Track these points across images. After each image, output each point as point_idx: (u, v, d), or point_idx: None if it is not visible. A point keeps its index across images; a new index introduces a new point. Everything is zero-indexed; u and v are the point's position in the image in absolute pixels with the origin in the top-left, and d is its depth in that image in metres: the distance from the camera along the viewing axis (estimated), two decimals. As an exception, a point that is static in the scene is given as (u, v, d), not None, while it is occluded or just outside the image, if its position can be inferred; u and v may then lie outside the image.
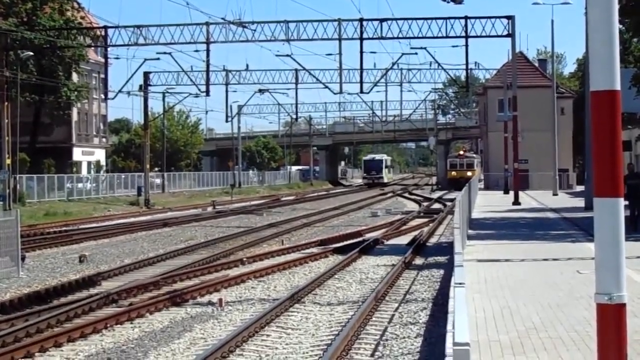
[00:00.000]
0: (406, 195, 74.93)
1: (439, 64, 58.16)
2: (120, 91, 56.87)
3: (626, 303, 5.59)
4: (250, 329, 13.85)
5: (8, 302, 17.20)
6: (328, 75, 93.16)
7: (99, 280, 20.49)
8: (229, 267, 23.12)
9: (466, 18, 45.83)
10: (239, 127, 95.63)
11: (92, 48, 65.77)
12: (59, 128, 75.35)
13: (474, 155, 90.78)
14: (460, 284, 8.38)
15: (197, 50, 51.04)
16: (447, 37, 46.05)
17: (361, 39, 46.57)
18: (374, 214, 46.50)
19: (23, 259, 23.67)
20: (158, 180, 75.77)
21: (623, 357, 5.61)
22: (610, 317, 5.56)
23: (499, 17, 45.90)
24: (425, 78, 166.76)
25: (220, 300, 17.20)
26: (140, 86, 64.47)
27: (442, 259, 23.95)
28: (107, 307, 16.85)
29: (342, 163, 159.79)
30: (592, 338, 9.14)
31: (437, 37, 45.97)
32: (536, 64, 79.91)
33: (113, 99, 63.13)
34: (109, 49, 50.38)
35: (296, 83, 70.47)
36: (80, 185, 63.02)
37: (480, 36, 46.24)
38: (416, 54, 58.51)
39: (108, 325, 14.97)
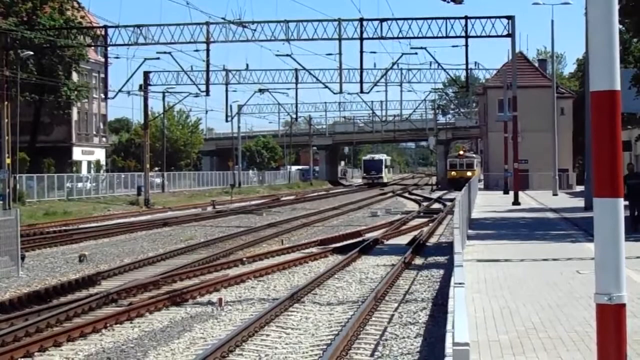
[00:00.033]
0: (406, 195, 74.95)
1: (439, 64, 58.24)
2: (120, 91, 56.92)
3: (626, 303, 5.59)
4: (250, 329, 13.85)
5: (8, 301, 17.20)
6: (328, 75, 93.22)
7: (98, 280, 20.48)
8: (229, 266, 23.12)
9: (466, 18, 45.83)
10: (238, 127, 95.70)
11: (92, 48, 65.72)
12: (58, 127, 75.36)
13: (474, 155, 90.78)
14: (460, 284, 8.38)
15: (197, 50, 51.12)
16: (447, 37, 46.04)
17: (361, 39, 46.56)
18: (373, 213, 46.50)
19: (23, 258, 23.66)
20: (158, 180, 75.76)
21: (622, 357, 5.61)
22: (610, 318, 5.56)
23: (499, 17, 45.90)
24: (425, 78, 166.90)
25: (220, 300, 17.19)
26: (140, 86, 64.45)
27: (441, 259, 23.95)
28: (107, 307, 16.85)
29: (342, 163, 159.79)
30: (591, 338, 9.14)
31: (437, 37, 45.97)
32: (536, 64, 79.94)
33: (113, 98, 63.21)
34: (109, 48, 50.35)
35: (296, 83, 70.48)
36: (80, 184, 63.02)
37: (480, 36, 46.23)
38: (416, 54, 58.58)
39: (108, 324, 14.97)
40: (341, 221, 42.52)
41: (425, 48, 53.51)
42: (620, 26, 32.11)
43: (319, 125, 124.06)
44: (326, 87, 58.35)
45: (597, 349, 5.70)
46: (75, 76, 70.32)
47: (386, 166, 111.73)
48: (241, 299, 17.87)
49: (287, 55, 53.02)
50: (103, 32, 49.56)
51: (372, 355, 12.45)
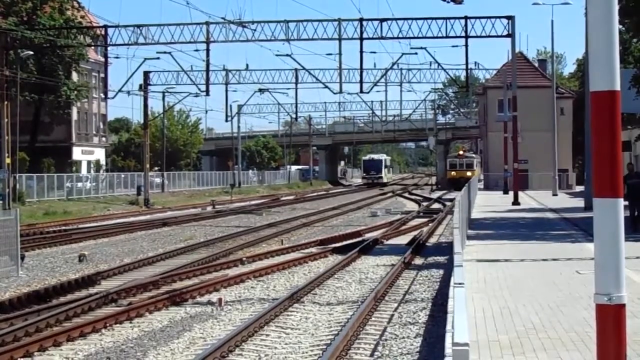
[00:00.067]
0: (406, 195, 74.95)
1: (438, 64, 58.17)
2: (120, 90, 56.95)
3: (625, 303, 5.59)
4: (249, 329, 13.84)
5: (7, 301, 17.18)
6: (328, 75, 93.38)
7: (98, 280, 20.48)
8: (229, 266, 23.12)
9: (466, 18, 45.83)
10: (238, 127, 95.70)
11: (92, 47, 65.71)
12: (58, 127, 75.34)
13: (474, 155, 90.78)
14: (459, 284, 8.38)
15: (197, 50, 51.12)
16: (447, 37, 46.04)
17: (361, 39, 46.56)
18: (373, 213, 46.50)
19: (22, 258, 23.66)
20: (158, 180, 75.76)
21: (622, 357, 5.60)
22: (610, 318, 5.56)
23: (499, 17, 45.90)
24: (425, 78, 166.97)
25: (220, 299, 17.19)
26: (140, 85, 64.46)
27: (441, 259, 23.95)
28: (107, 307, 16.85)
29: (342, 163, 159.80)
30: (591, 338, 9.14)
31: (437, 37, 45.97)
32: (536, 64, 79.94)
33: (113, 98, 63.30)
34: (109, 48, 50.34)
35: (296, 83, 70.48)
36: (79, 184, 63.02)
37: (480, 36, 46.23)
38: (416, 54, 58.64)
39: (107, 324, 14.97)
40: (341, 221, 42.52)
41: (425, 48, 53.61)
42: (620, 26, 32.10)
43: (319, 125, 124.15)
44: (326, 87, 58.40)
45: (596, 349, 5.70)
46: (75, 76, 70.33)
47: (386, 166, 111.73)
48: (241, 299, 17.87)
49: (287, 55, 53.06)
50: (103, 32, 49.54)
51: (371, 355, 12.45)
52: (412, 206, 55.74)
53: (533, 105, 64.53)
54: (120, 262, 24.60)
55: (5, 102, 47.61)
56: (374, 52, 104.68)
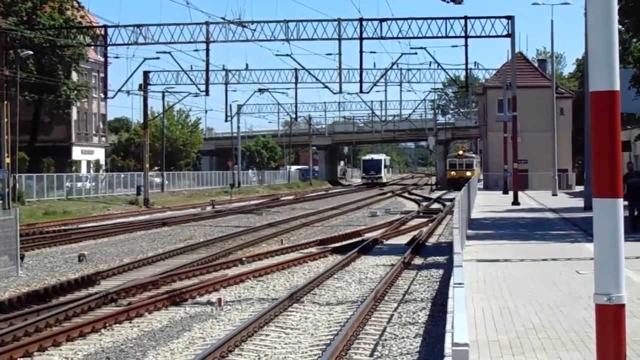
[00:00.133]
0: (405, 195, 74.95)
1: (438, 64, 58.20)
2: (119, 90, 56.94)
3: (625, 304, 5.59)
4: (249, 329, 13.84)
5: (7, 301, 17.18)
6: (328, 75, 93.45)
7: (98, 280, 20.47)
8: (228, 266, 23.11)
9: (466, 18, 45.84)
10: (238, 127, 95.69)
11: (92, 47, 65.73)
12: (58, 127, 75.32)
13: (474, 155, 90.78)
14: (459, 284, 8.37)
15: (196, 50, 51.12)
16: (446, 37, 46.05)
17: (361, 38, 46.56)
18: (373, 213, 46.50)
19: (22, 258, 23.65)
20: (157, 180, 75.77)
21: (622, 357, 5.60)
22: (610, 318, 5.56)
23: (499, 17, 45.91)
24: (425, 78, 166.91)
25: (219, 299, 17.18)
26: (140, 85, 64.47)
27: (441, 259, 23.95)
28: (106, 307, 16.84)
29: (342, 163, 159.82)
30: (591, 339, 9.14)
31: (436, 37, 45.98)
32: (536, 64, 79.94)
33: (113, 98, 63.41)
34: (108, 48, 50.36)
35: (296, 83, 70.50)
36: (79, 184, 63.03)
37: (480, 36, 46.24)
38: (416, 54, 58.59)
39: (107, 324, 14.96)
40: (340, 221, 42.51)
41: (425, 48, 53.61)
42: (620, 26, 32.10)
43: (319, 125, 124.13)
44: (326, 87, 58.43)
45: (596, 349, 5.69)
46: (74, 76, 70.32)
47: (385, 166, 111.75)
48: (240, 299, 17.86)
49: (287, 55, 53.06)
50: (103, 32, 49.55)
51: (371, 355, 12.45)
52: (411, 206, 55.73)
53: (533, 105, 64.53)
54: (119, 262, 24.59)
55: (5, 102, 47.62)
56: (374, 52, 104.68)
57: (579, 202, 40.66)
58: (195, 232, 35.89)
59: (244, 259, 24.37)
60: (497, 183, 64.35)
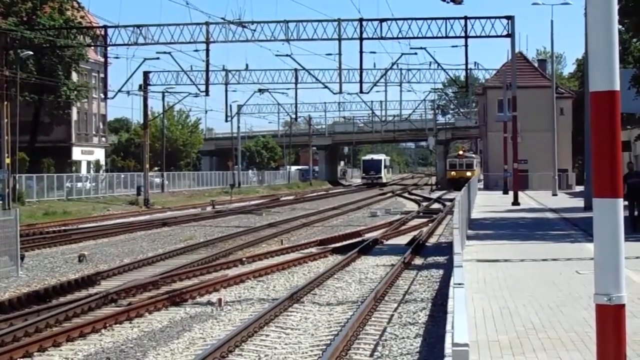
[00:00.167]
0: (405, 195, 74.95)
1: (438, 64, 58.18)
2: (119, 91, 56.92)
3: (625, 304, 5.58)
4: (249, 329, 13.84)
5: (7, 301, 17.18)
6: (328, 75, 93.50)
7: (98, 280, 20.47)
8: (228, 267, 23.11)
9: (466, 18, 45.84)
10: (238, 127, 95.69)
11: (92, 47, 65.73)
12: (58, 127, 75.34)
13: (474, 155, 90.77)
14: (459, 284, 8.37)
15: (196, 50, 51.10)
16: (446, 37, 46.05)
17: (361, 39, 46.56)
18: (373, 214, 46.49)
19: (22, 258, 23.66)
20: (157, 180, 75.77)
21: (622, 357, 5.60)
22: (610, 318, 5.56)
23: (499, 18, 45.92)
24: (425, 78, 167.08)
25: (220, 300, 17.19)
26: (140, 86, 64.46)
27: (441, 259, 23.95)
28: (106, 307, 16.84)
29: (342, 163, 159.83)
30: (591, 339, 9.14)
31: (436, 37, 45.98)
32: (536, 64, 79.94)
33: (112, 98, 63.25)
34: (108, 48, 50.35)
35: (296, 83, 70.48)
36: (79, 184, 63.02)
37: (480, 36, 46.24)
38: (416, 54, 58.56)
39: (107, 325, 14.96)
40: (341, 221, 42.52)
41: (425, 48, 53.61)
42: (620, 26, 32.09)
43: (319, 125, 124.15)
44: (326, 87, 58.41)
45: (596, 349, 5.69)
46: (75, 76, 70.32)
47: (385, 166, 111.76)
48: (241, 299, 17.86)
49: (287, 55, 53.05)
50: (103, 32, 49.55)
51: (371, 355, 12.45)
52: (411, 206, 55.73)
53: (533, 105, 64.52)
54: (120, 263, 24.59)
55: (5, 103, 47.61)
56: (374, 52, 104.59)
57: (579, 202, 40.66)
58: (195, 232, 35.89)
59: (244, 259, 24.36)
60: (497, 183, 64.34)
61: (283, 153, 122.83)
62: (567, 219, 31.93)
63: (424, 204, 56.17)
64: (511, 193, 45.87)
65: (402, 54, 56.50)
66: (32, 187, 55.29)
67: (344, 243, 28.49)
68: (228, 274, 21.30)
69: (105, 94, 57.91)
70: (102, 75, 67.29)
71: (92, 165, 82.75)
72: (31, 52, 54.65)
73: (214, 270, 22.31)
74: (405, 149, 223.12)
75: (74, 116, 78.62)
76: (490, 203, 44.71)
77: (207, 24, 47.65)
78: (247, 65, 76.95)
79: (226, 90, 72.74)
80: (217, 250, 27.30)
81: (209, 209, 54.95)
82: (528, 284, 14.97)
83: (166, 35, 47.55)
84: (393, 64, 61.28)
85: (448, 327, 9.37)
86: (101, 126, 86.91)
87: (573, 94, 72.98)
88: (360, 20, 46.53)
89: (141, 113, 66.63)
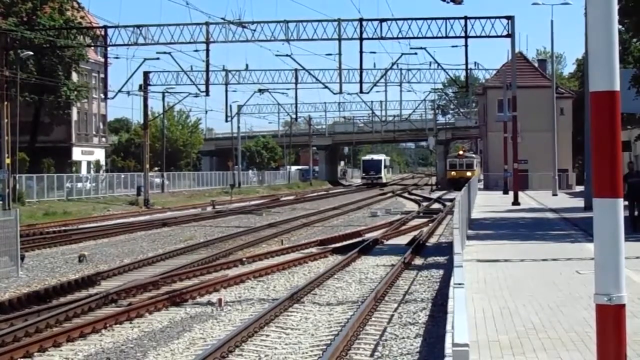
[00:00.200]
0: (406, 195, 74.94)
1: (438, 64, 58.16)
2: (120, 91, 56.92)
3: (625, 304, 5.59)
4: (249, 329, 13.84)
5: (7, 301, 17.18)
6: (328, 75, 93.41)
7: (98, 280, 20.48)
8: (229, 267, 23.11)
9: (466, 18, 45.84)
10: (238, 127, 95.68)
11: (92, 48, 65.75)
12: (58, 128, 75.36)
13: (474, 155, 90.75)
14: (459, 284, 8.37)
15: (197, 50, 51.09)
16: (446, 37, 46.05)
17: (361, 39, 46.56)
18: (373, 214, 46.49)
19: (22, 258, 23.66)
20: (157, 180, 75.77)
21: (622, 357, 5.60)
22: (610, 318, 5.56)
23: (499, 18, 45.92)
24: (425, 78, 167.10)
25: (220, 300, 17.19)
26: (140, 86, 64.46)
27: (441, 259, 23.95)
28: (107, 307, 16.84)
29: (342, 163, 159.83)
30: (591, 339, 9.14)
31: (436, 37, 45.98)
32: (536, 64, 79.94)
33: (113, 98, 63.18)
34: (108, 48, 50.33)
35: (296, 83, 70.49)
36: (79, 184, 63.02)
37: (480, 36, 46.25)
38: (416, 54, 58.57)
39: (107, 325, 14.97)
40: (341, 221, 42.52)
41: (425, 48, 53.62)
42: (620, 26, 32.10)
43: (319, 125, 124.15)
44: (326, 87, 58.39)
45: (596, 349, 5.69)
46: (75, 76, 70.33)
47: (385, 166, 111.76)
48: (241, 299, 17.86)
49: (287, 55, 53.04)
50: (103, 32, 49.55)
51: (371, 355, 12.45)
52: (412, 206, 55.73)
53: (533, 105, 64.52)
54: (120, 263, 24.59)
55: (5, 103, 47.61)
56: (374, 52, 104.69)
57: (579, 202, 40.66)
58: (195, 232, 35.90)
59: (244, 259, 24.37)
60: (497, 183, 64.33)
61: (283, 153, 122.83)
62: (567, 219, 31.93)
63: (424, 204, 56.16)
64: (511, 193, 45.87)
65: (402, 54, 56.54)
66: (32, 187, 55.29)
67: (344, 243, 28.49)
68: (228, 274, 21.30)
69: (106, 94, 57.91)
70: (102, 75, 67.30)
71: (92, 166, 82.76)
72: (31, 53, 54.66)
73: (214, 271, 22.31)
74: (405, 149, 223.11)
75: (74, 116, 78.63)
76: (490, 203, 44.71)
77: (207, 24, 47.65)
78: (247, 65, 77.02)
79: (226, 91, 72.83)
80: (217, 250, 27.30)
81: (209, 209, 54.94)
82: (528, 284, 14.97)
83: (166, 35, 47.61)
84: (393, 64, 61.35)
85: (448, 327, 9.37)
86: (101, 126, 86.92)
87: (573, 94, 72.96)
88: (360, 20, 46.53)
89: (141, 113, 66.72)
